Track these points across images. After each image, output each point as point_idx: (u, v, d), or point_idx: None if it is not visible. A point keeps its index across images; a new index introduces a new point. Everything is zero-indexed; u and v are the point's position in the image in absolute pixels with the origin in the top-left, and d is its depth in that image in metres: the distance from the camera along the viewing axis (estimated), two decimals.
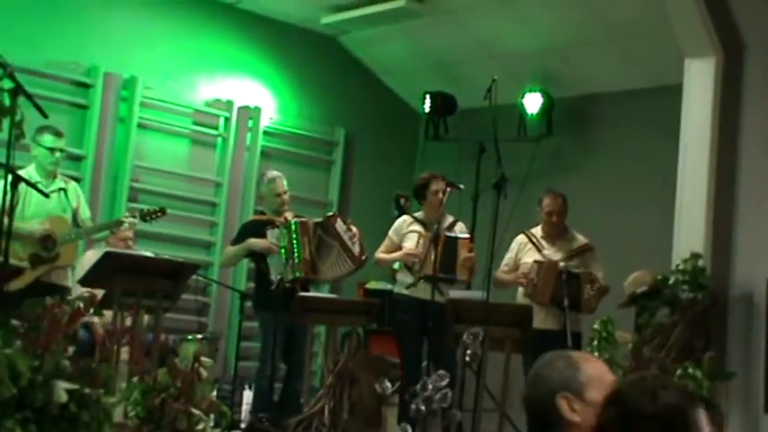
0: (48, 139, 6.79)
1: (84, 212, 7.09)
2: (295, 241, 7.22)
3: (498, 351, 6.67)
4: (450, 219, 7.60)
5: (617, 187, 8.84)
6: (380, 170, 10.27)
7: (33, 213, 6.64)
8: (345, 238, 7.32)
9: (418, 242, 7.37)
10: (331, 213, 7.80)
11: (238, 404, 7.94)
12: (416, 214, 7.66)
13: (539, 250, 7.33)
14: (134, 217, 7.15)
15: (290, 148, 9.82)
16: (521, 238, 7.46)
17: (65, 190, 6.93)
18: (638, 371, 6.08)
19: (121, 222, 7.10)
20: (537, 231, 7.44)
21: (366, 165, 10.29)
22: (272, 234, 7.28)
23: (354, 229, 7.40)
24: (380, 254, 7.62)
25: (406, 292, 7.42)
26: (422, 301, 7.19)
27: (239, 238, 7.58)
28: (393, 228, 7.68)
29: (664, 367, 6.14)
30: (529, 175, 8.56)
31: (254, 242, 7.39)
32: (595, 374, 2.54)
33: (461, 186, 7.59)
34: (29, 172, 6.61)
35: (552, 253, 7.30)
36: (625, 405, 2.06)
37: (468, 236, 7.35)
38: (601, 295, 7.16)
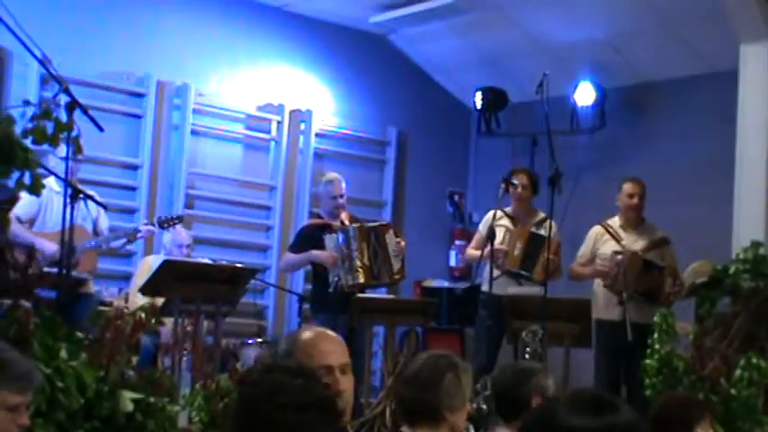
0: (64, 148, 6.82)
1: (104, 222, 7.15)
2: (354, 246, 7.23)
3: (557, 346, 6.65)
4: (541, 215, 7.53)
5: (673, 177, 8.73)
6: (434, 167, 10.26)
7: (55, 223, 6.65)
8: (391, 251, 7.32)
9: (504, 237, 7.31)
10: (386, 223, 7.79)
11: None
12: (506, 209, 7.61)
13: (617, 240, 7.23)
14: (152, 225, 7.26)
15: (342, 149, 9.85)
16: (597, 229, 7.34)
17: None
18: (700, 362, 6.02)
19: (138, 231, 7.18)
20: (614, 222, 7.33)
21: (419, 163, 10.28)
22: (329, 239, 7.30)
23: (402, 244, 7.40)
24: (471, 250, 7.63)
25: (487, 288, 7.35)
26: (501, 297, 7.11)
27: (297, 244, 7.63)
28: (483, 221, 7.64)
29: (726, 357, 6.06)
30: (583, 168, 8.50)
31: (316, 255, 7.40)
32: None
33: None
34: (49, 183, 6.61)
35: (631, 243, 7.18)
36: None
37: (557, 239, 7.26)
38: (679, 292, 7.02)
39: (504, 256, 7.25)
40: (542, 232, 7.25)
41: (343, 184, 7.62)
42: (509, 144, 9.71)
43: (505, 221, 7.45)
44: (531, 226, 7.39)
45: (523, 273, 7.22)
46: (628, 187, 7.29)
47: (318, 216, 7.76)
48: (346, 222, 7.45)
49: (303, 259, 7.60)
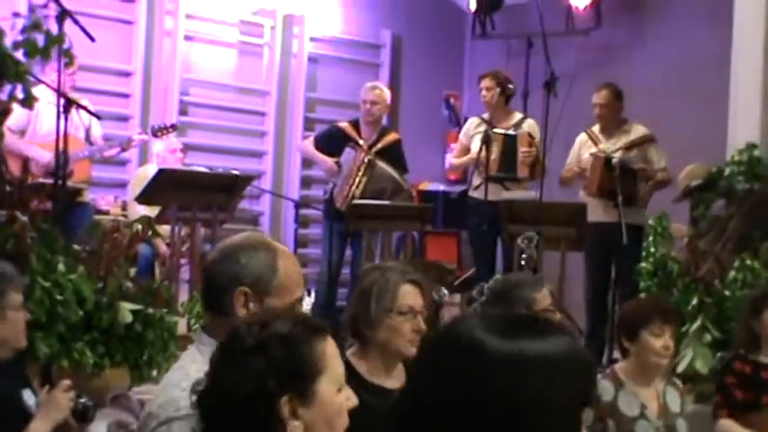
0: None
1: (97, 130, 7.11)
2: (357, 171, 7.19)
3: (554, 250, 6.69)
4: (518, 116, 7.52)
5: (669, 77, 8.67)
6: (429, 71, 10.17)
7: (47, 132, 6.57)
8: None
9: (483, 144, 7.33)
10: (404, 186, 7.45)
11: None
12: (484, 115, 7.60)
13: (596, 144, 7.27)
14: (146, 133, 7.25)
15: (336, 53, 9.75)
16: (582, 136, 7.38)
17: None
18: (695, 264, 6.07)
19: (132, 140, 7.17)
20: (596, 128, 7.37)
21: (414, 66, 10.18)
22: (347, 153, 7.26)
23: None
24: (453, 159, 7.70)
25: (475, 194, 7.43)
26: (490, 203, 7.15)
27: (320, 139, 7.63)
28: (463, 130, 7.69)
29: (720, 259, 6.12)
30: (579, 70, 8.42)
31: (321, 158, 7.46)
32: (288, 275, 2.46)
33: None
34: (39, 92, 6.50)
35: (609, 145, 7.21)
36: (233, 340, 1.90)
37: (525, 131, 7.28)
38: (658, 188, 7.13)
39: (483, 163, 7.28)
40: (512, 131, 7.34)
41: (382, 92, 7.51)
42: (504, 46, 9.61)
43: (483, 128, 7.45)
44: (510, 128, 7.37)
45: (502, 175, 7.24)
46: (593, 98, 7.28)
47: (354, 123, 7.66)
48: (388, 140, 7.42)
49: (310, 154, 7.70)
